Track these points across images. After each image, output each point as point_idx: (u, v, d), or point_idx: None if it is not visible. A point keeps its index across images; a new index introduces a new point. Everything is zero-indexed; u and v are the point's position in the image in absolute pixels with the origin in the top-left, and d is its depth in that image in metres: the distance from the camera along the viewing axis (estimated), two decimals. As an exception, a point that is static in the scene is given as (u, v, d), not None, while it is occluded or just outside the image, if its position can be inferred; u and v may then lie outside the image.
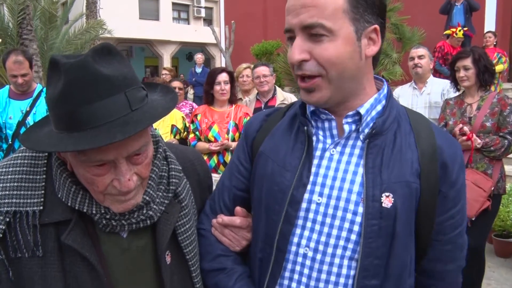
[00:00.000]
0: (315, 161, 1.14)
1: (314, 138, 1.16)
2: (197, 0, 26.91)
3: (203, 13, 27.38)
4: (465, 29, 8.61)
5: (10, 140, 4.02)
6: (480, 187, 3.35)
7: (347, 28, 1.03)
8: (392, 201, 1.05)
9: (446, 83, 4.39)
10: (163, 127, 4.42)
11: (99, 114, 0.91)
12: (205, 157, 4.13)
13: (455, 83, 3.81)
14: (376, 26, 1.07)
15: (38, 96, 4.07)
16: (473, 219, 3.33)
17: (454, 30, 8.46)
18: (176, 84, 5.59)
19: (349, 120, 1.12)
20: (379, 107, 1.13)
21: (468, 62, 3.58)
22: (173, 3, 26.49)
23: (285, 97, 4.80)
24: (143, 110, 0.97)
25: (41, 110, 4.03)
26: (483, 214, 3.36)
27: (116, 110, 0.93)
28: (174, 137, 4.48)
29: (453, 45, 8.44)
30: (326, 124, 1.15)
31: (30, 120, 3.98)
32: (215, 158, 4.10)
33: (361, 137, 1.12)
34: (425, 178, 1.08)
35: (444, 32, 8.76)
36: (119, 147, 0.94)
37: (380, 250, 1.06)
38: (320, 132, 1.16)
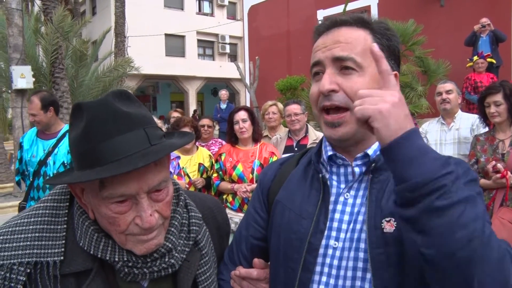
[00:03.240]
0: (331, 206, 1.14)
1: (328, 183, 1.16)
2: (222, 37, 27.64)
3: (227, 49, 28.06)
4: (480, 52, 8.58)
5: (31, 178, 4.03)
6: (518, 226, 3.20)
7: (374, 67, 1.03)
8: (395, 225, 1.02)
9: (475, 118, 4.29)
10: (191, 166, 4.44)
11: (120, 148, 0.95)
12: (230, 197, 4.13)
13: (484, 118, 3.72)
14: (396, 72, 1.12)
15: (62, 137, 4.08)
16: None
17: (470, 62, 8.49)
18: (205, 121, 5.61)
19: (359, 162, 1.14)
20: None
21: (499, 97, 3.49)
22: (199, 40, 27.27)
23: (317, 136, 4.58)
24: (162, 144, 1.02)
25: (62, 150, 4.01)
26: (523, 255, 3.18)
27: (136, 144, 0.97)
28: (201, 175, 4.47)
29: (478, 71, 8.39)
30: (342, 170, 1.16)
31: (50, 160, 3.97)
32: (239, 198, 4.07)
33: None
34: None
35: (467, 65, 8.74)
36: (140, 179, 0.96)
37: (393, 280, 1.00)
38: (334, 177, 1.17)
